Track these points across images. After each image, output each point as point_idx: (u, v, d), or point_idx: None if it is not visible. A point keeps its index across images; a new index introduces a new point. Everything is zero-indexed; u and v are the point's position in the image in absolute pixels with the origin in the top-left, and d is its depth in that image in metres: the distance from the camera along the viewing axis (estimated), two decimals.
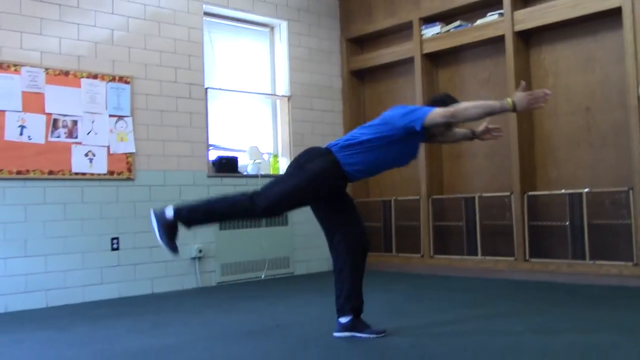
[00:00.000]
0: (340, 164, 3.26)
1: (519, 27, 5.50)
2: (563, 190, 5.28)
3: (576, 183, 5.32)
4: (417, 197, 6.29)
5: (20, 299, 4.73)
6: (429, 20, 6.24)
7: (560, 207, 5.28)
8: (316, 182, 3.24)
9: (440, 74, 6.39)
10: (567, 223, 5.21)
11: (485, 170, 6.03)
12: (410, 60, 6.40)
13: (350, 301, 3.34)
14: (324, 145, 3.40)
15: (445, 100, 3.39)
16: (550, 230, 5.41)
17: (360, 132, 3.33)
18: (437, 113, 3.18)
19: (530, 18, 5.44)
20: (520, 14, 5.49)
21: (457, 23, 6.00)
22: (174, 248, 3.25)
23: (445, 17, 6.16)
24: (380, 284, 5.38)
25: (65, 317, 4.37)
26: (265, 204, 3.20)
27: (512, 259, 5.51)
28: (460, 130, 3.71)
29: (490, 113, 3.19)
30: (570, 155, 5.44)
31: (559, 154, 5.51)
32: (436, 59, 6.37)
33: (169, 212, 3.23)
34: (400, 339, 3.29)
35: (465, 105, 3.20)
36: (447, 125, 3.36)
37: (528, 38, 5.66)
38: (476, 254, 5.76)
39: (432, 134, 3.45)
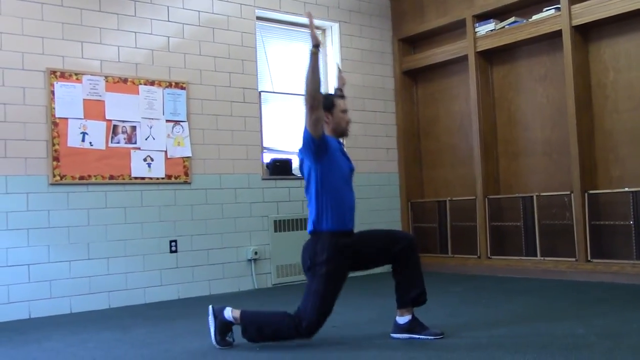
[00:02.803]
0: (331, 231, 3.28)
1: (576, 22, 5.36)
2: (626, 189, 5.11)
3: None
4: (473, 198, 6.20)
5: (85, 300, 4.89)
6: (482, 17, 6.14)
7: (624, 205, 5.12)
8: (336, 274, 3.27)
9: (495, 72, 6.29)
10: (631, 222, 5.04)
11: (543, 169, 5.89)
12: (464, 59, 6.31)
13: (408, 293, 3.34)
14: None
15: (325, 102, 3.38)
16: (613, 229, 5.24)
17: (310, 194, 3.38)
18: (307, 122, 3.19)
19: (588, 12, 5.28)
20: (578, 7, 5.34)
21: (512, 19, 5.88)
22: (224, 344, 3.33)
23: (499, 14, 6.05)
24: (437, 286, 5.31)
25: (127, 318, 4.48)
26: (306, 326, 3.22)
27: (572, 259, 5.36)
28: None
29: (313, 69, 3.14)
30: (633, 152, 5.25)
31: (621, 151, 5.33)
32: (490, 57, 6.27)
33: (227, 314, 3.32)
34: (459, 340, 3.25)
35: (306, 90, 3.16)
36: (317, 113, 3.19)
37: (586, 33, 5.50)
38: (535, 255, 5.64)
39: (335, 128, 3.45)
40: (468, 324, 3.68)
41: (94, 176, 5.01)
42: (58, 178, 4.84)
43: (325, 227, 3.31)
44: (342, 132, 3.50)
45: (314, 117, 3.17)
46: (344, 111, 3.48)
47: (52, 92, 4.86)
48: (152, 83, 5.35)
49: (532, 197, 5.70)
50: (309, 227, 3.38)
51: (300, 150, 3.38)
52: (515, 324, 3.63)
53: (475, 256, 6.14)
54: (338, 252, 3.28)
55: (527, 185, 5.99)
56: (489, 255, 6.03)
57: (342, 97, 3.55)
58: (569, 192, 5.43)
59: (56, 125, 4.86)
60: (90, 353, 3.40)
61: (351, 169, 3.50)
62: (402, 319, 3.35)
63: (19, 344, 3.73)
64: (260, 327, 3.32)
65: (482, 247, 6.07)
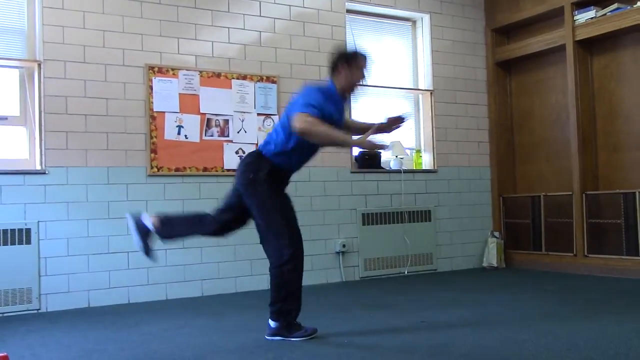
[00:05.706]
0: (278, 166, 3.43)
1: None
2: None
3: None
4: (569, 193, 5.95)
5: (179, 288, 5.07)
6: (581, 4, 5.87)
7: None
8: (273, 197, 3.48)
9: (595, 62, 6.00)
10: None
11: None
12: (561, 48, 6.06)
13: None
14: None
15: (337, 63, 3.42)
16: None
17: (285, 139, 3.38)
18: (299, 121, 3.18)
19: None
20: None
21: (615, 6, 5.58)
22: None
23: (600, 1, 5.76)
24: (530, 284, 5.15)
25: (219, 306, 4.62)
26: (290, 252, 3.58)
27: None
28: (359, 122, 3.79)
29: (333, 144, 3.37)
30: None
31: None
32: (590, 46, 5.98)
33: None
34: (554, 341, 3.13)
35: (318, 130, 3.18)
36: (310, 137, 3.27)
37: None
38: (637, 254, 5.35)
39: None
40: (562, 325, 3.54)
41: (189, 168, 5.18)
42: (155, 170, 5.04)
43: (278, 164, 3.42)
44: (349, 90, 3.50)
45: (298, 131, 3.22)
46: (363, 77, 3.46)
47: (150, 87, 5.06)
48: (244, 77, 5.46)
49: (634, 193, 5.41)
50: (262, 150, 3.48)
51: (291, 106, 3.37)
52: (613, 324, 3.46)
53: (571, 254, 5.90)
54: (276, 177, 3.44)
55: (629, 181, 5.68)
56: (585, 253, 5.78)
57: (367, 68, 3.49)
58: None
59: (154, 119, 5.06)
60: (186, 339, 3.53)
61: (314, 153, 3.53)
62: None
63: (121, 327, 3.92)
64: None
65: (579, 244, 5.83)
